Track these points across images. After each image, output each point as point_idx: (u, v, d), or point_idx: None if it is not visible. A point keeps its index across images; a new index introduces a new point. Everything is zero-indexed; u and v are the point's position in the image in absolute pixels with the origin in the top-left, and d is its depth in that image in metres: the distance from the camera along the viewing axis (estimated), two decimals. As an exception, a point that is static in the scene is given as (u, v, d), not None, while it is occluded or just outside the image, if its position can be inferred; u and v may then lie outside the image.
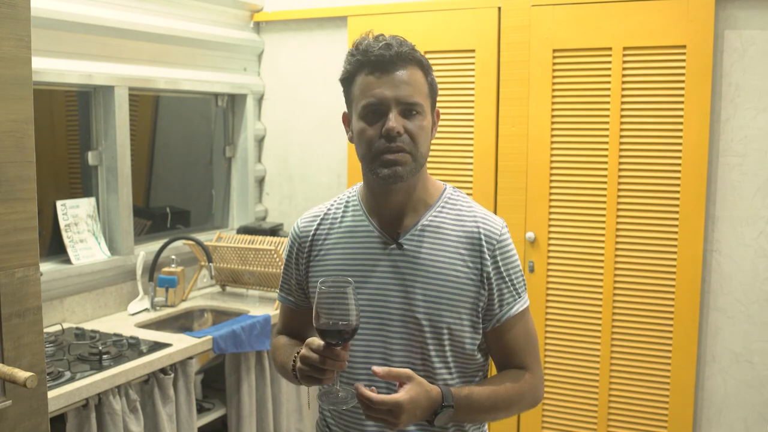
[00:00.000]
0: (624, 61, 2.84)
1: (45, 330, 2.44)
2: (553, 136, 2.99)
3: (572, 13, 2.92)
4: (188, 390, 2.61)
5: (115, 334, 2.67)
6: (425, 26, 3.17)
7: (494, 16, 3.06)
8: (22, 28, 1.46)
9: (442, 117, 3.14)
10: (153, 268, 3.11)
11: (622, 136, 2.87)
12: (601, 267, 2.94)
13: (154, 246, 3.21)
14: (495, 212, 3.01)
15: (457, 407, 1.34)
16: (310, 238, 1.51)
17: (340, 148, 3.53)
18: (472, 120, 3.13)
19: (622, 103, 2.86)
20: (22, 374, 1.37)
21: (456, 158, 3.17)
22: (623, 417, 2.96)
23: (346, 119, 1.46)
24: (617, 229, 2.91)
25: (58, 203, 2.86)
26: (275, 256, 3.16)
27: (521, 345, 1.45)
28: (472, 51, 3.10)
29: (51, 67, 2.67)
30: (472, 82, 3.11)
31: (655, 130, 2.83)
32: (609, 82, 2.87)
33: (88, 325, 2.81)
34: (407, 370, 1.32)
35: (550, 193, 3.01)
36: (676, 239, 2.83)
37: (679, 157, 2.80)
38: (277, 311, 3.05)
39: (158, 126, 3.57)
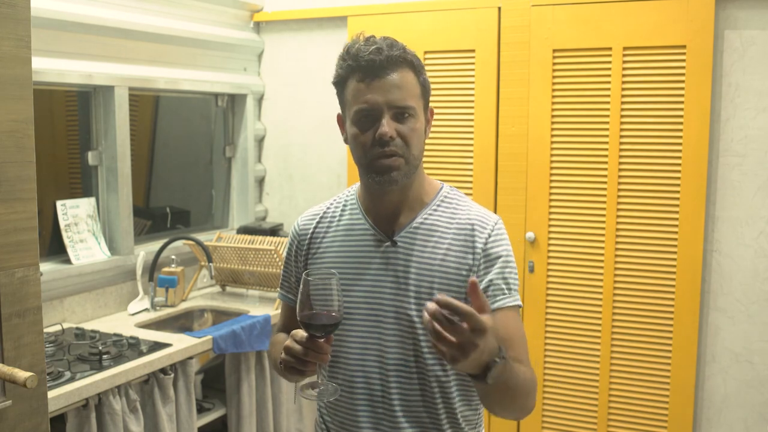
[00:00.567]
0: (624, 61, 2.84)
1: (45, 330, 2.43)
2: (553, 136, 2.99)
3: (572, 13, 2.91)
4: (188, 390, 2.61)
5: (115, 334, 2.67)
6: (425, 26, 3.17)
7: (494, 16, 3.06)
8: (22, 28, 1.46)
9: (442, 117, 3.19)
10: (153, 268, 3.11)
11: (622, 136, 2.87)
12: (601, 267, 2.94)
13: (154, 246, 3.21)
14: (495, 212, 3.01)
15: (507, 364, 1.21)
16: (309, 236, 1.53)
17: (340, 148, 3.53)
18: (472, 120, 3.13)
19: (622, 103, 2.86)
20: (22, 374, 1.37)
21: (456, 158, 3.17)
22: (623, 417, 2.96)
23: (341, 121, 1.47)
24: (617, 229, 2.91)
25: (58, 203, 2.86)
26: (275, 256, 3.16)
27: (515, 339, 1.37)
28: (472, 51, 3.10)
29: (51, 67, 2.67)
30: (472, 82, 3.11)
31: (655, 130, 2.83)
32: (609, 82, 2.87)
33: (88, 325, 2.81)
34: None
35: (550, 193, 3.01)
36: (676, 239, 2.82)
37: (679, 157, 2.80)
38: (278, 311, 3.05)
39: (158, 126, 3.57)
